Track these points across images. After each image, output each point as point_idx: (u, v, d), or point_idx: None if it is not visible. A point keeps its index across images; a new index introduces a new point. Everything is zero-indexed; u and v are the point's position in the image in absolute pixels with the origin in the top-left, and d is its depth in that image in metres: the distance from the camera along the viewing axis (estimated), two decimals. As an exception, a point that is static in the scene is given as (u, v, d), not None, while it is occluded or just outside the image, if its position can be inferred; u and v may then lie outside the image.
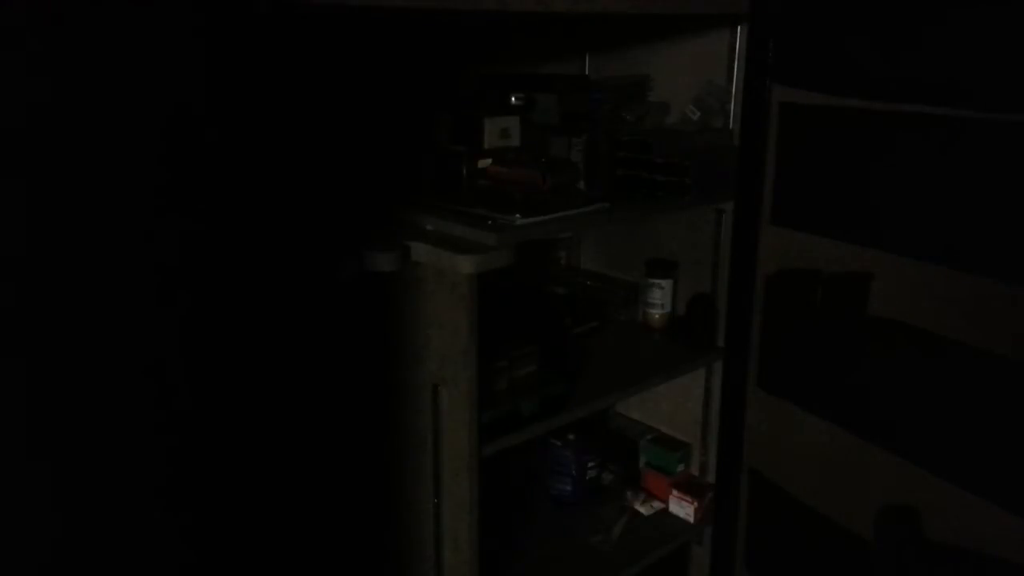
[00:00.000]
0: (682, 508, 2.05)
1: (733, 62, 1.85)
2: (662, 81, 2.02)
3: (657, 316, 2.06)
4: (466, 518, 1.50)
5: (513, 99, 1.82)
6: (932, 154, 1.46)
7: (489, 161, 1.68)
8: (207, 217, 1.20)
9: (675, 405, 2.17)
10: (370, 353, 1.60)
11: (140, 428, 1.16)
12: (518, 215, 1.47)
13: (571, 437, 2.00)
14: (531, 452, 2.05)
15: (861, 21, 1.55)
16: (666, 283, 2.05)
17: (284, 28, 1.33)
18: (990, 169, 1.38)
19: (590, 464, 2.06)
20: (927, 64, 1.44)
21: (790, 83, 1.69)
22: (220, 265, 1.24)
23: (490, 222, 1.45)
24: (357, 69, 1.70)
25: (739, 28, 1.83)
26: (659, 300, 2.05)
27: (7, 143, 0.98)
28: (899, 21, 1.48)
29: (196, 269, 1.21)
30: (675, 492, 2.07)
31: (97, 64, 1.03)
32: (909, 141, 1.49)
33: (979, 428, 1.42)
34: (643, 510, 2.06)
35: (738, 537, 2.01)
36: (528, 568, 1.85)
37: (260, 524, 1.41)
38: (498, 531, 1.84)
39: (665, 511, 2.08)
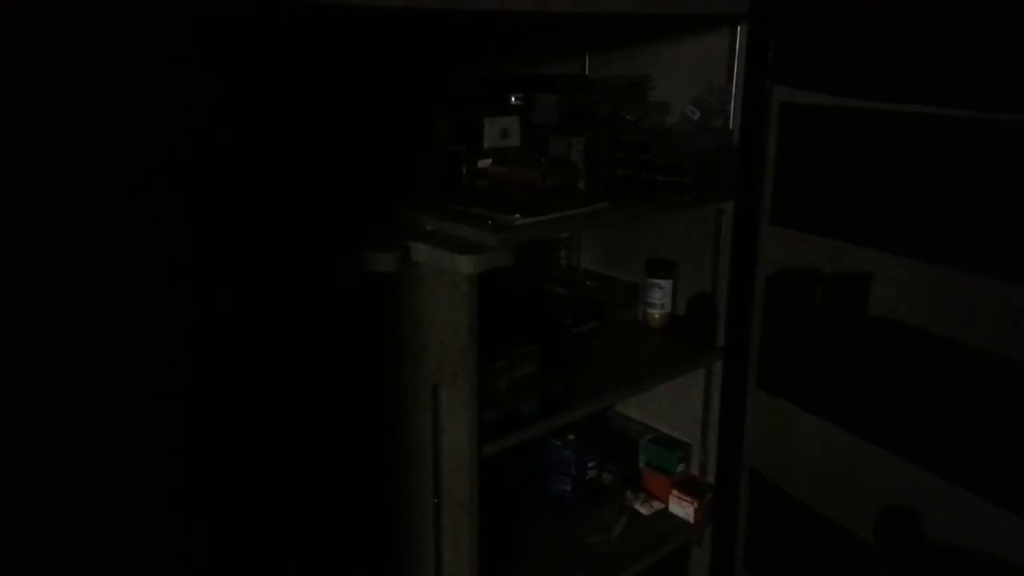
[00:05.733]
0: (682, 508, 2.05)
1: (733, 62, 1.85)
2: (662, 81, 2.02)
3: (657, 316, 2.06)
4: (466, 518, 1.50)
5: (513, 99, 1.82)
6: (932, 154, 1.46)
7: (489, 161, 1.68)
8: (208, 219, 1.20)
9: (675, 405, 2.17)
10: (370, 353, 1.59)
11: (142, 428, 1.16)
12: (518, 215, 1.47)
13: (571, 437, 2.00)
14: (531, 452, 2.05)
15: (861, 21, 1.55)
16: (666, 283, 2.05)
17: (283, 28, 1.33)
18: (990, 169, 1.38)
19: (590, 464, 2.06)
20: (927, 64, 1.44)
21: (790, 83, 1.69)
22: (221, 266, 1.24)
23: (490, 222, 1.45)
24: (357, 69, 1.70)
25: (739, 28, 1.83)
26: (659, 300, 2.05)
27: (10, 141, 0.98)
28: (899, 21, 1.48)
29: (198, 271, 1.21)
30: (675, 492, 2.07)
31: (97, 64, 1.03)
32: (909, 141, 1.49)
33: (979, 428, 1.42)
34: (643, 510, 2.06)
35: (738, 537, 2.01)
36: (528, 568, 1.85)
37: (261, 523, 1.41)
38: (498, 531, 1.84)
39: (665, 511, 2.08)
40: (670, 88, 2.01)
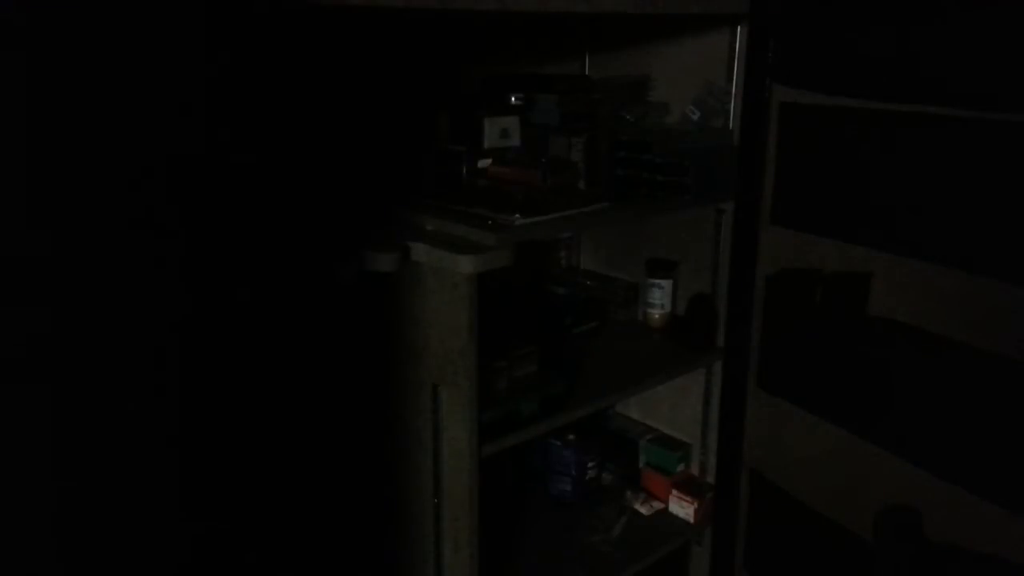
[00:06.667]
0: (682, 508, 2.05)
1: (733, 62, 1.85)
2: (662, 81, 2.02)
3: (657, 316, 2.06)
4: (466, 518, 1.50)
5: (513, 99, 1.82)
6: (932, 154, 1.46)
7: (489, 161, 1.68)
8: (208, 219, 1.20)
9: (675, 405, 2.17)
10: (370, 353, 1.60)
11: (143, 427, 1.16)
12: (518, 215, 1.47)
13: (571, 437, 2.00)
14: (531, 452, 2.05)
15: (861, 21, 1.55)
16: (666, 283, 2.05)
17: (284, 28, 1.34)
18: (990, 169, 1.38)
19: (590, 464, 2.06)
20: (927, 63, 1.44)
21: (790, 83, 1.69)
22: (221, 266, 1.24)
23: (490, 222, 1.45)
24: (357, 69, 1.70)
25: (739, 28, 1.83)
26: (659, 300, 2.05)
27: (11, 135, 0.98)
28: (899, 21, 1.48)
29: (198, 270, 1.21)
30: (675, 492, 2.07)
31: (97, 62, 1.03)
32: (909, 141, 1.49)
33: (979, 428, 1.42)
34: (643, 510, 2.06)
35: (738, 537, 2.01)
36: (528, 568, 1.85)
37: (261, 523, 1.41)
38: (498, 531, 1.84)
39: (665, 511, 2.08)
40: (670, 88, 2.01)
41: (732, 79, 1.86)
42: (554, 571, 1.84)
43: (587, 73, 2.19)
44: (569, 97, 1.83)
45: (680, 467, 2.11)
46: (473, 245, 1.40)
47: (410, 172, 1.70)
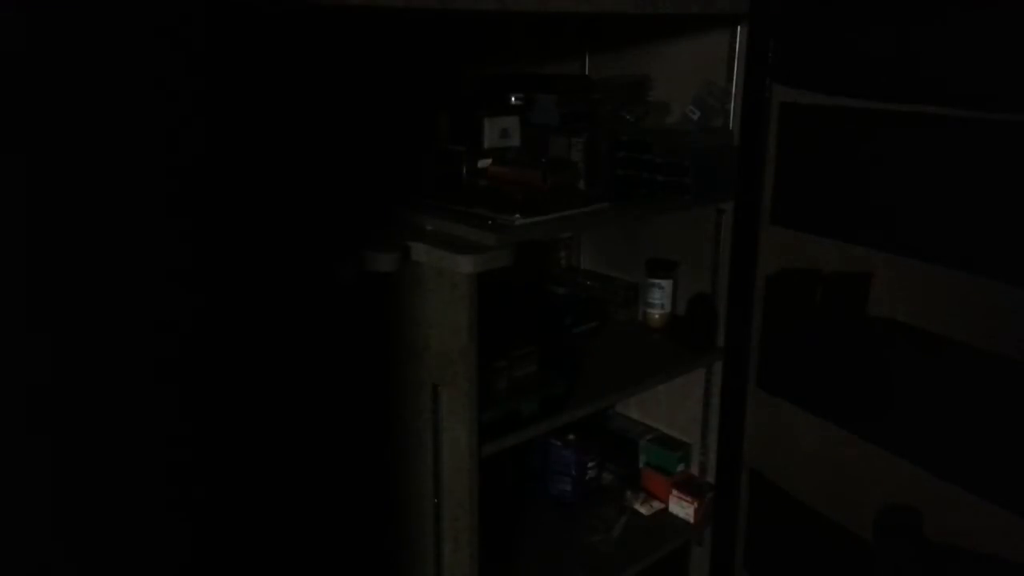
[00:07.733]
0: (682, 508, 2.05)
1: (733, 62, 1.85)
2: (662, 81, 2.02)
3: (657, 316, 2.06)
4: (466, 518, 1.50)
5: (513, 99, 1.82)
6: (932, 154, 1.46)
7: (489, 161, 1.68)
8: (207, 219, 1.20)
9: (675, 405, 2.17)
10: (370, 353, 1.60)
11: (142, 428, 1.16)
12: (518, 215, 1.47)
13: (571, 437, 2.00)
14: (531, 452, 2.05)
15: (861, 21, 1.55)
16: (666, 283, 2.05)
17: (284, 28, 1.34)
18: (990, 169, 1.38)
19: (590, 464, 2.06)
20: (927, 63, 1.44)
21: (790, 83, 1.69)
22: (221, 266, 1.24)
23: (490, 222, 1.45)
24: (357, 69, 1.70)
25: (739, 28, 1.83)
26: (659, 300, 2.05)
27: (6, 143, 0.98)
28: (899, 20, 1.48)
29: (198, 271, 1.21)
30: (675, 492, 2.07)
31: (96, 63, 1.03)
32: (909, 141, 1.49)
33: (979, 428, 1.42)
34: (643, 510, 2.06)
35: (738, 537, 2.01)
36: (528, 568, 1.85)
37: (260, 523, 1.41)
38: (498, 531, 1.84)
39: (665, 511, 2.08)
40: (670, 88, 2.01)
41: (732, 79, 1.86)
42: (554, 571, 1.84)
43: (587, 73, 2.19)
44: (569, 97, 1.83)
45: (680, 467, 2.11)
46: (473, 245, 1.41)
47: (410, 172, 1.70)
